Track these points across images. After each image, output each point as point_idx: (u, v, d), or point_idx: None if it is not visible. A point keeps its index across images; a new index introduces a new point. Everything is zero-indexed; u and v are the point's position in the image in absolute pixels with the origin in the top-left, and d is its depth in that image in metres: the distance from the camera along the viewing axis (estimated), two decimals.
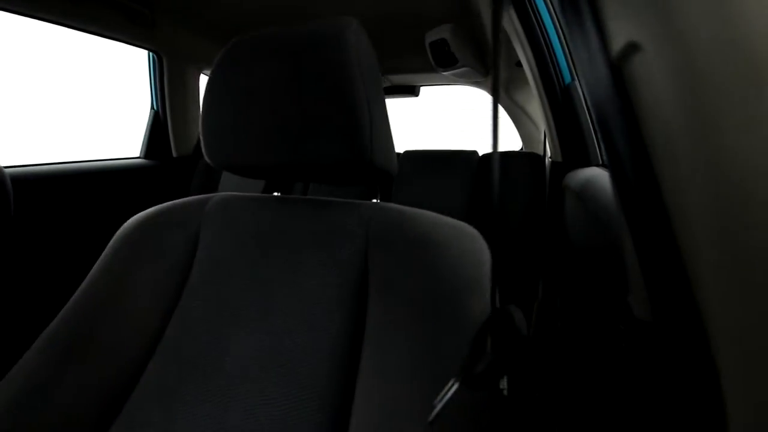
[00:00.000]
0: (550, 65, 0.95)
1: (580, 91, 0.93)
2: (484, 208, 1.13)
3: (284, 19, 1.32)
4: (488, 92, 1.63)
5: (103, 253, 0.47)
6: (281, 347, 0.39)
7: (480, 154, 1.24)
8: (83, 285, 0.45)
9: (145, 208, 0.51)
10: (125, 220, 0.51)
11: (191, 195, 1.58)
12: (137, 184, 1.49)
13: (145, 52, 1.45)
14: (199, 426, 0.38)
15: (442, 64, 1.38)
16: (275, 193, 0.53)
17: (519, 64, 1.37)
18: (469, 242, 0.40)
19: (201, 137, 0.47)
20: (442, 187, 1.15)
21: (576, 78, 0.95)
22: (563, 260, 0.86)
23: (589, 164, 0.88)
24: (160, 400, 0.40)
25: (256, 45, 0.44)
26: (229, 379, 0.39)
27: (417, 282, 0.37)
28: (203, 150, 0.47)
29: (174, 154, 1.62)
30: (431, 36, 1.32)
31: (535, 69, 0.98)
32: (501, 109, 1.67)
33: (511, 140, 1.96)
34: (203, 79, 1.69)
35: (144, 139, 1.56)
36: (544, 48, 0.94)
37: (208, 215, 0.48)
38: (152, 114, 1.55)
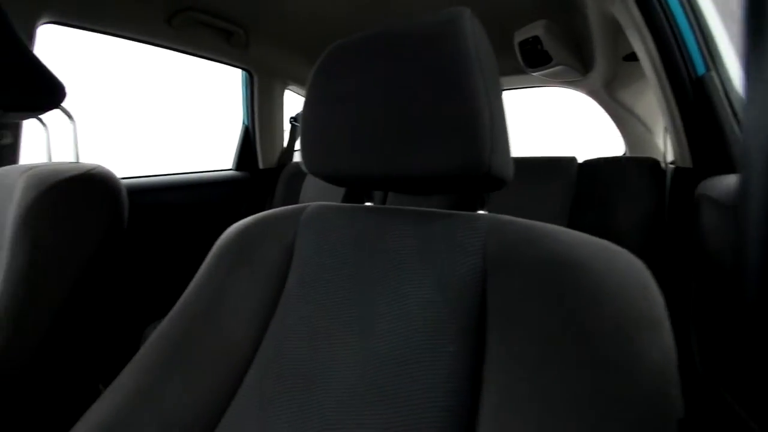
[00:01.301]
0: (678, 55, 0.81)
1: (718, 83, 0.77)
2: (588, 224, 0.99)
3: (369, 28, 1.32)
4: (585, 92, 1.47)
5: (205, 262, 0.48)
6: (383, 371, 0.35)
7: (579, 160, 1.11)
8: (187, 291, 0.46)
9: (237, 217, 0.51)
10: (222, 228, 0.51)
11: (275, 204, 1.67)
12: (230, 194, 1.59)
13: (238, 71, 1.56)
14: None
15: (533, 64, 1.27)
16: (367, 203, 0.49)
17: (628, 58, 1.21)
18: (624, 264, 0.32)
19: (301, 147, 0.45)
20: (536, 199, 1.03)
21: (713, 68, 0.79)
22: (700, 283, 0.71)
23: (733, 170, 0.72)
24: (257, 410, 0.38)
25: (357, 48, 0.41)
26: (326, 395, 0.36)
27: (555, 310, 0.30)
28: (303, 160, 0.45)
29: (260, 165, 1.70)
30: (521, 34, 1.23)
31: (658, 60, 0.84)
32: (599, 110, 1.50)
33: (595, 143, 1.75)
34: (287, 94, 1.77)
35: (236, 152, 1.66)
36: (670, 36, 0.81)
37: (303, 225, 0.46)
38: (243, 129, 1.65)
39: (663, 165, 1.03)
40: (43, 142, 0.78)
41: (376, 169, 0.39)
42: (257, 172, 1.70)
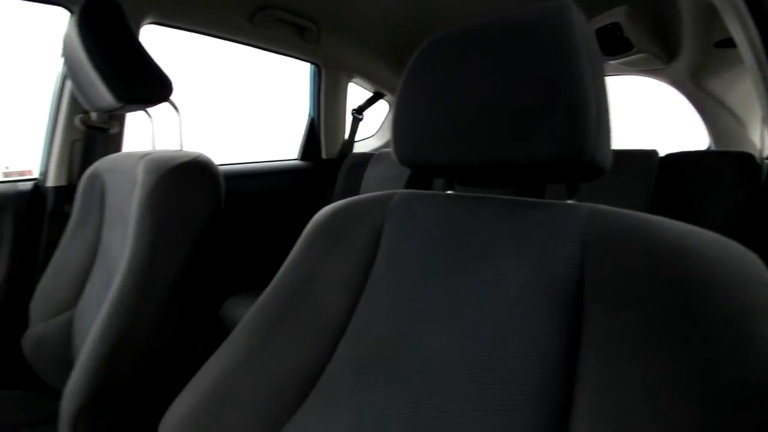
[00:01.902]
0: None
1: None
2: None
3: (441, 24, 1.33)
4: (667, 82, 1.37)
5: (299, 241, 0.51)
6: (473, 350, 0.37)
7: (661, 154, 1.04)
8: (284, 267, 0.50)
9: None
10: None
11: (335, 193, 1.73)
12: (294, 183, 1.68)
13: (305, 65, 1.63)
14: (382, 418, 0.38)
15: (611, 52, 1.20)
16: (448, 192, 0.51)
17: (721, 44, 1.11)
18: (737, 253, 0.31)
19: (392, 138, 0.47)
20: (612, 193, 0.99)
21: None
22: None
23: None
24: (350, 376, 0.42)
25: (456, 39, 0.42)
26: (415, 370, 0.39)
27: (662, 295, 0.30)
28: (393, 149, 0.47)
29: (323, 156, 1.78)
30: (599, 21, 1.17)
31: (760, 47, 0.77)
32: (683, 101, 1.39)
33: (672, 135, 1.62)
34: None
35: (301, 142, 1.75)
36: None
37: (392, 210, 0.49)
38: (309, 120, 1.72)
39: (758, 160, 0.94)
40: (149, 132, 0.88)
41: (472, 159, 0.40)
42: (320, 162, 1.77)
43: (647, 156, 1.02)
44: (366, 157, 1.71)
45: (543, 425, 0.32)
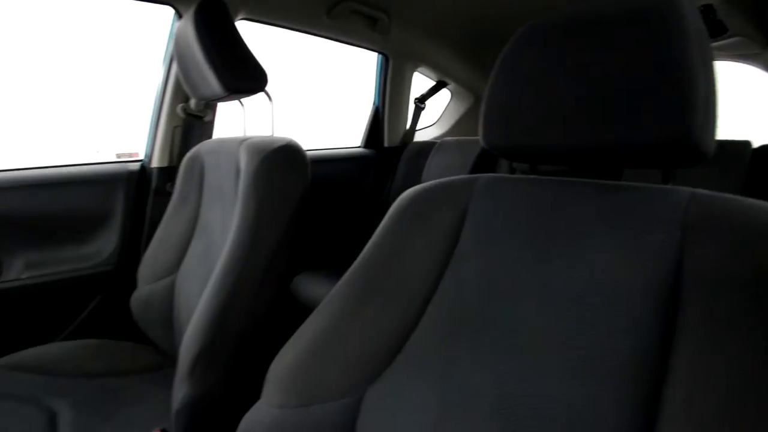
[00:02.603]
0: None
1: None
2: None
3: (511, 12, 1.31)
4: (763, 68, 1.25)
5: (384, 219, 0.54)
6: (559, 329, 0.38)
7: (755, 145, 0.96)
8: (371, 242, 0.53)
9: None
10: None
11: (396, 181, 1.78)
12: (357, 170, 1.74)
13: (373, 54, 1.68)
14: (467, 385, 0.41)
15: None
16: (533, 176, 0.52)
17: None
18: None
19: (481, 122, 0.49)
20: (703, 185, 0.93)
21: None
22: None
23: None
24: (438, 341, 0.44)
25: (557, 26, 0.43)
26: (502, 340, 0.41)
27: (764, 282, 0.30)
28: (482, 134, 0.49)
29: (385, 144, 1.83)
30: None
31: None
32: None
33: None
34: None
35: (365, 130, 1.81)
36: None
37: (477, 193, 0.50)
38: (373, 109, 1.78)
39: None
40: (241, 119, 0.97)
41: (567, 143, 0.41)
42: (382, 150, 1.82)
43: (739, 146, 0.95)
44: (427, 146, 1.73)
45: (632, 399, 0.33)
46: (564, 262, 0.41)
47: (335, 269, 1.44)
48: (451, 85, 1.96)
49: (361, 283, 0.51)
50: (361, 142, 1.83)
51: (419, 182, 0.58)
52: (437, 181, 0.57)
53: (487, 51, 1.85)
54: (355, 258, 0.54)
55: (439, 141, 1.69)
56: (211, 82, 0.76)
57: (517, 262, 0.44)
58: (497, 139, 0.48)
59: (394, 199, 0.56)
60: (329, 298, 0.52)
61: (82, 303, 1.12)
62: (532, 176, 0.50)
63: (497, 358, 0.41)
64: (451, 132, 2.12)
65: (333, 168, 1.64)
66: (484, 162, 1.42)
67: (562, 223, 0.43)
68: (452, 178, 0.56)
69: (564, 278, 0.40)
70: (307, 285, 1.34)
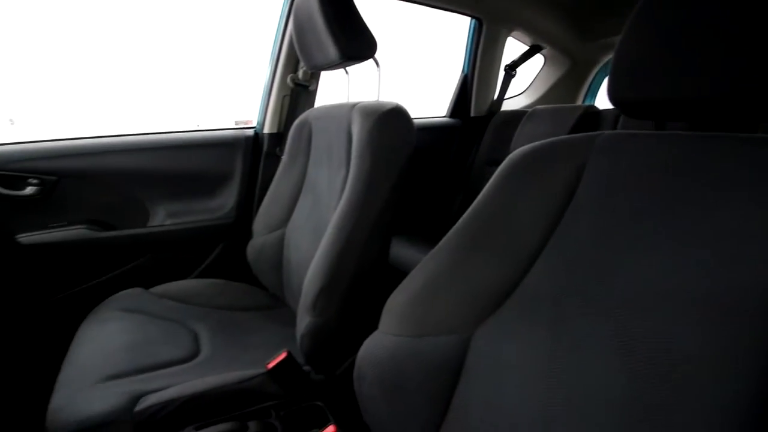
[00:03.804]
0: None
1: None
2: None
3: None
4: None
5: (494, 176, 0.56)
6: (681, 286, 0.38)
7: None
8: (480, 198, 0.56)
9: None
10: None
11: (480, 152, 1.76)
12: (441, 140, 1.76)
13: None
14: (578, 335, 0.43)
15: None
16: (659, 131, 0.50)
17: None
18: None
19: (610, 77, 0.49)
20: None
21: None
22: None
23: None
24: (542, 301, 0.47)
25: None
26: (615, 296, 0.42)
27: None
28: (608, 92, 0.49)
29: (472, 113, 1.80)
30: None
31: None
32: None
33: None
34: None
35: (452, 100, 1.80)
36: None
37: (597, 149, 0.50)
38: (462, 77, 1.75)
39: None
40: (345, 86, 1.04)
41: (702, 95, 0.40)
42: (468, 120, 1.81)
43: None
44: (516, 115, 1.68)
45: (757, 357, 0.33)
46: (699, 214, 0.40)
47: (416, 235, 1.50)
48: (546, 49, 1.84)
49: (471, 234, 0.55)
50: (447, 112, 1.83)
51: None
52: (552, 139, 0.58)
53: (589, 11, 1.71)
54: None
55: (529, 110, 1.63)
56: (329, 49, 0.82)
57: (641, 216, 0.44)
58: (626, 94, 0.47)
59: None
60: (441, 245, 0.57)
61: (209, 248, 1.32)
62: (659, 131, 0.49)
63: (615, 304, 0.42)
64: (542, 100, 2.01)
65: (418, 137, 1.67)
66: (581, 130, 1.35)
67: (695, 177, 0.42)
68: (570, 135, 0.56)
69: (696, 232, 0.40)
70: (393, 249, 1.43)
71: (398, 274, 0.61)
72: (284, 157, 1.14)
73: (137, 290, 1.05)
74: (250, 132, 1.34)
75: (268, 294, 1.16)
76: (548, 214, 0.51)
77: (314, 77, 1.28)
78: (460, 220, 0.58)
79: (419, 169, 1.70)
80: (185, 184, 1.27)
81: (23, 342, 1.15)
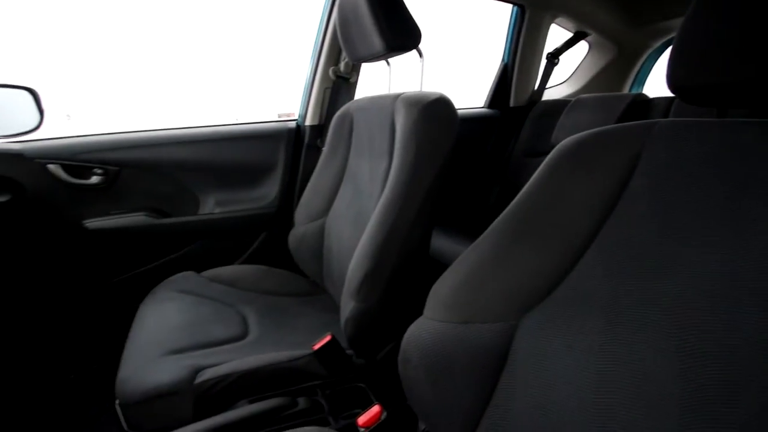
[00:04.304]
0: None
1: None
2: None
3: None
4: None
5: (543, 164, 0.55)
6: (743, 278, 0.37)
7: None
8: (529, 185, 0.55)
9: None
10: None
11: (519, 143, 1.72)
12: (479, 131, 1.73)
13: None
14: (637, 317, 0.42)
15: None
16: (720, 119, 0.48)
17: None
18: None
19: (670, 62, 0.47)
20: None
21: None
22: None
23: None
24: (594, 290, 0.46)
25: None
26: (671, 291, 0.41)
27: None
28: (668, 78, 0.48)
29: (511, 103, 1.76)
30: None
31: None
32: None
33: None
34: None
35: (490, 89, 1.77)
36: None
37: (653, 138, 0.49)
38: (502, 66, 1.72)
39: None
40: (387, 76, 1.05)
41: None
42: (507, 110, 1.77)
43: None
44: (557, 105, 1.63)
45: None
46: (765, 204, 0.39)
47: (453, 227, 1.50)
48: (591, 36, 1.77)
49: (518, 223, 0.55)
50: (485, 102, 1.80)
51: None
52: (606, 127, 0.56)
53: None
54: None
55: (573, 99, 1.58)
56: (374, 41, 0.84)
57: (701, 206, 0.43)
58: (687, 80, 0.46)
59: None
60: (486, 234, 0.57)
61: (253, 236, 1.38)
62: (720, 119, 0.47)
63: (673, 294, 0.42)
64: (585, 89, 1.94)
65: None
66: (629, 119, 1.29)
67: (761, 167, 0.40)
68: (623, 124, 0.55)
69: (761, 223, 0.39)
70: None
71: (436, 264, 0.61)
72: (325, 149, 1.17)
73: (190, 273, 1.12)
74: (292, 124, 1.38)
75: (309, 281, 1.21)
76: (601, 204, 0.51)
77: (355, 69, 1.30)
78: (507, 209, 0.58)
79: (457, 160, 1.69)
80: (232, 174, 1.33)
81: (90, 319, 1.26)
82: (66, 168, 1.13)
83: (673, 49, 0.47)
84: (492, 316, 0.53)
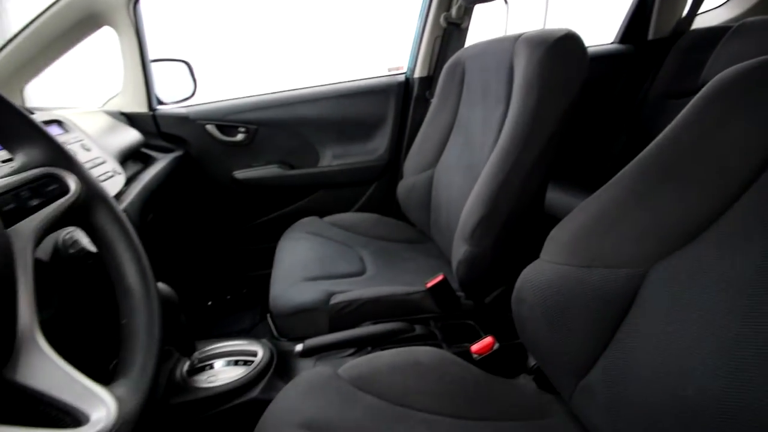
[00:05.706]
0: None
1: None
2: None
3: None
4: None
5: (696, 98, 0.49)
6: None
7: None
8: (674, 124, 0.50)
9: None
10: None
11: (657, 82, 1.48)
12: (606, 71, 1.53)
13: None
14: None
15: None
16: None
17: None
18: None
19: None
20: None
21: None
22: None
23: None
24: (750, 236, 0.42)
25: None
26: None
27: None
28: None
29: (650, 36, 1.51)
30: None
31: None
32: None
33: None
34: None
35: (623, 21, 1.53)
36: None
37: None
38: None
39: None
40: (504, 16, 0.99)
41: None
42: (644, 44, 1.52)
43: None
44: (713, 33, 1.34)
45: None
46: None
47: (569, 179, 1.40)
48: None
49: (662, 164, 0.50)
50: (615, 37, 1.57)
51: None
52: None
53: None
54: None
55: (735, 24, 1.28)
56: None
57: None
58: None
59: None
60: (618, 177, 0.54)
61: (365, 186, 1.49)
62: None
63: None
64: (751, 12, 1.55)
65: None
66: None
67: None
68: None
69: None
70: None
71: (547, 218, 0.59)
72: (434, 100, 1.18)
73: (314, 218, 1.28)
74: (401, 77, 1.40)
75: (416, 229, 1.28)
76: (760, 146, 0.44)
77: (467, 13, 1.25)
78: (645, 151, 0.53)
79: (581, 104, 1.52)
80: (346, 129, 1.43)
81: (239, 252, 1.54)
82: (219, 128, 1.35)
83: None
84: (620, 262, 0.51)
